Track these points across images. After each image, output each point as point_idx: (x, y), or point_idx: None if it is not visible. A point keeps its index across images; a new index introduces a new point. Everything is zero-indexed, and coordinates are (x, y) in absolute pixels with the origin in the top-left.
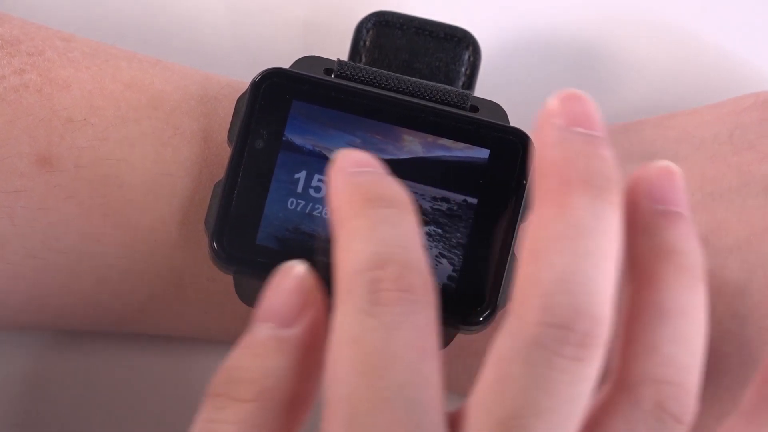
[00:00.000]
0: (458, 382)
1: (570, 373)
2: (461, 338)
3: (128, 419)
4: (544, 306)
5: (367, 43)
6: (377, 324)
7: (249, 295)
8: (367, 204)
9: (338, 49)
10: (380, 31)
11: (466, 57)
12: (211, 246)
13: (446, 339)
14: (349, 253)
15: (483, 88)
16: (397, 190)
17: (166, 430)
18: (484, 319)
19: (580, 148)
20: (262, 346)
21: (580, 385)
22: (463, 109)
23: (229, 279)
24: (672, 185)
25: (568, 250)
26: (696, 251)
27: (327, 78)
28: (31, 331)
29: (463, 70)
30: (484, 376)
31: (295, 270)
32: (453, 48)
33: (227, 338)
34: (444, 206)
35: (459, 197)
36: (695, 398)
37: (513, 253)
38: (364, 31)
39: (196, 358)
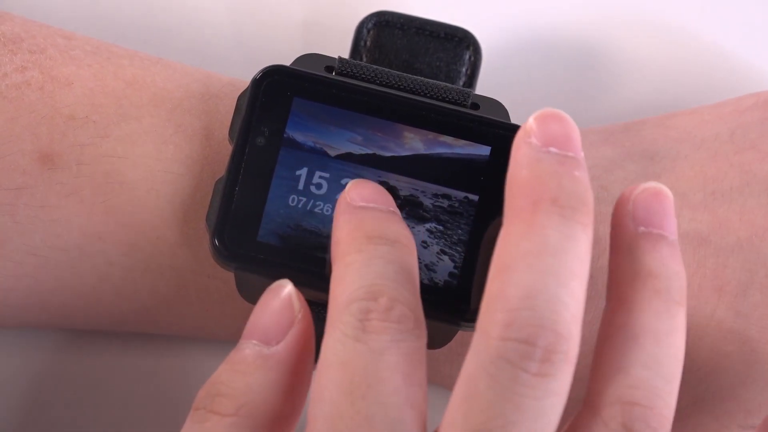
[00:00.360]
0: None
1: (535, 388)
2: (463, 336)
3: (128, 419)
4: (508, 321)
5: (368, 43)
6: (365, 349)
7: (250, 292)
8: (367, 241)
9: (339, 49)
10: (381, 31)
11: (467, 57)
12: (213, 243)
13: (447, 336)
14: (343, 285)
15: (483, 88)
16: (398, 230)
17: (166, 430)
18: None
19: (552, 168)
20: (244, 363)
21: (547, 401)
22: (464, 106)
23: (230, 276)
24: (659, 207)
25: (534, 267)
26: (677, 275)
27: (328, 75)
28: (32, 329)
29: (463, 70)
30: (454, 393)
31: (284, 289)
32: (453, 48)
33: (228, 337)
34: (445, 203)
35: (460, 194)
36: (668, 421)
37: None
38: (365, 31)
39: (196, 358)
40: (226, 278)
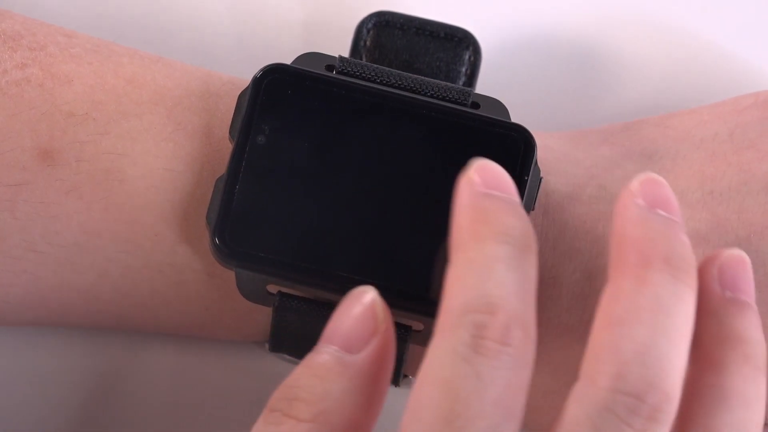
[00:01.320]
0: None
1: None
2: None
3: (130, 418)
4: (618, 373)
5: (368, 43)
6: (472, 373)
7: (250, 291)
8: (490, 236)
9: (338, 49)
10: (381, 32)
11: (467, 57)
12: (213, 241)
13: None
14: (460, 287)
15: (483, 88)
16: (524, 227)
17: (166, 430)
18: None
19: (662, 229)
20: (324, 368)
21: None
22: (465, 105)
23: (230, 275)
24: (743, 273)
25: (648, 323)
26: (761, 344)
27: (329, 74)
28: (31, 327)
29: (463, 70)
30: None
31: (367, 296)
32: (453, 48)
33: (227, 336)
34: None
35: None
36: None
37: None
38: (365, 31)
39: (197, 357)
40: (225, 276)
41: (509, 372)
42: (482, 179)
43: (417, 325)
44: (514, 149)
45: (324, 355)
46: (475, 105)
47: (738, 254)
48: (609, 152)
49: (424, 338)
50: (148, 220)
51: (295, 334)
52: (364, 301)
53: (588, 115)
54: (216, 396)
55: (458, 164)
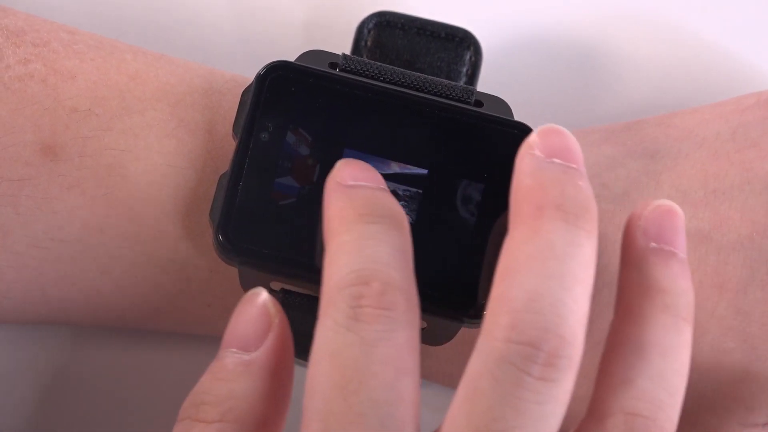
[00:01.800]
0: (459, 379)
1: (538, 392)
2: (465, 334)
3: (130, 418)
4: (512, 324)
5: (369, 43)
6: (356, 339)
7: (253, 287)
8: (358, 219)
9: (339, 49)
10: (382, 32)
11: (468, 57)
12: (216, 238)
13: (450, 333)
14: (335, 267)
15: (484, 88)
16: (389, 206)
17: (166, 429)
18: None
19: (555, 177)
20: (225, 370)
21: (549, 406)
22: (468, 103)
23: (232, 271)
24: (671, 224)
25: (538, 270)
26: (686, 293)
27: (332, 71)
28: (32, 325)
29: (464, 70)
30: (457, 393)
31: (258, 297)
32: (454, 48)
33: None
34: None
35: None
36: None
37: None
38: (366, 31)
39: (197, 357)
40: (228, 273)
41: (393, 333)
42: (347, 174)
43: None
44: (518, 147)
45: (225, 358)
46: (479, 103)
47: (665, 204)
48: (611, 151)
49: (427, 336)
50: (151, 217)
51: (298, 331)
52: (256, 303)
53: (589, 115)
54: None
55: (462, 162)
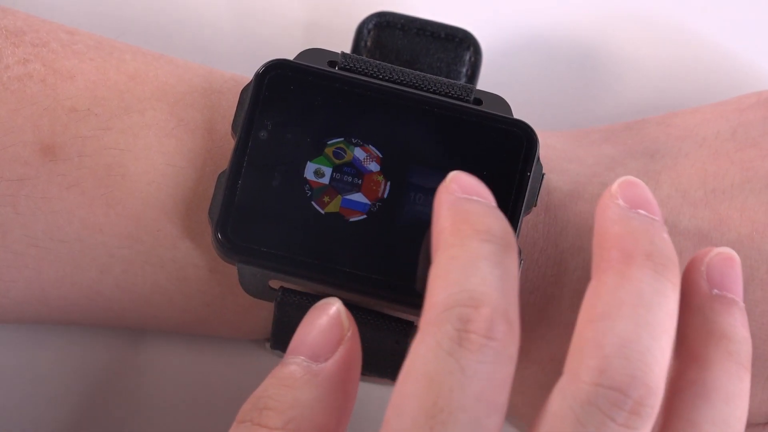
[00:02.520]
0: None
1: None
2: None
3: (131, 418)
4: (601, 368)
5: (369, 43)
6: (456, 367)
7: (252, 286)
8: (473, 235)
9: (340, 49)
10: (381, 32)
11: (467, 58)
12: (215, 236)
13: None
14: (444, 281)
15: (484, 88)
16: (503, 227)
17: (166, 429)
18: None
19: (644, 227)
20: (292, 378)
21: None
22: (467, 101)
23: (232, 270)
24: (732, 272)
25: (629, 317)
26: (746, 341)
27: (331, 70)
28: (32, 325)
29: (464, 70)
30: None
31: (332, 307)
32: (454, 49)
33: (229, 333)
34: None
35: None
36: None
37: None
38: (366, 31)
39: (196, 357)
40: (227, 272)
41: (493, 366)
42: (460, 186)
43: (419, 322)
44: (517, 145)
45: (292, 365)
46: (478, 101)
47: (727, 252)
48: (611, 151)
49: None
50: (150, 216)
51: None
52: (329, 312)
53: (589, 115)
54: (215, 395)
55: (461, 160)
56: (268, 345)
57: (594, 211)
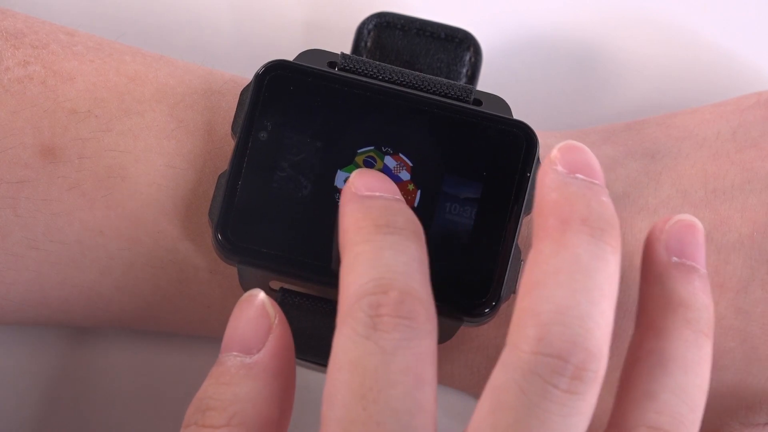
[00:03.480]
0: (459, 378)
1: (563, 405)
2: (464, 332)
3: (132, 417)
4: (539, 336)
5: (368, 44)
6: (375, 348)
7: (252, 287)
8: (375, 230)
9: (340, 50)
10: (381, 32)
11: (467, 58)
12: (216, 237)
13: (450, 331)
14: (352, 276)
15: (484, 89)
16: (406, 217)
17: (166, 429)
18: (488, 310)
19: (580, 192)
20: (228, 374)
21: (574, 419)
22: (467, 102)
23: (232, 271)
24: (692, 240)
25: (566, 284)
26: (707, 308)
27: (331, 71)
28: (32, 326)
29: (464, 71)
30: (480, 406)
31: (256, 298)
32: (454, 49)
33: None
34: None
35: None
36: None
37: (517, 246)
38: (366, 32)
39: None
40: (227, 273)
41: (411, 342)
42: (363, 184)
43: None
44: (517, 146)
45: (226, 362)
46: (478, 102)
47: (687, 219)
48: (611, 151)
49: None
50: (150, 217)
51: (297, 330)
52: (254, 303)
53: (589, 116)
54: None
55: (461, 161)
56: None
57: None
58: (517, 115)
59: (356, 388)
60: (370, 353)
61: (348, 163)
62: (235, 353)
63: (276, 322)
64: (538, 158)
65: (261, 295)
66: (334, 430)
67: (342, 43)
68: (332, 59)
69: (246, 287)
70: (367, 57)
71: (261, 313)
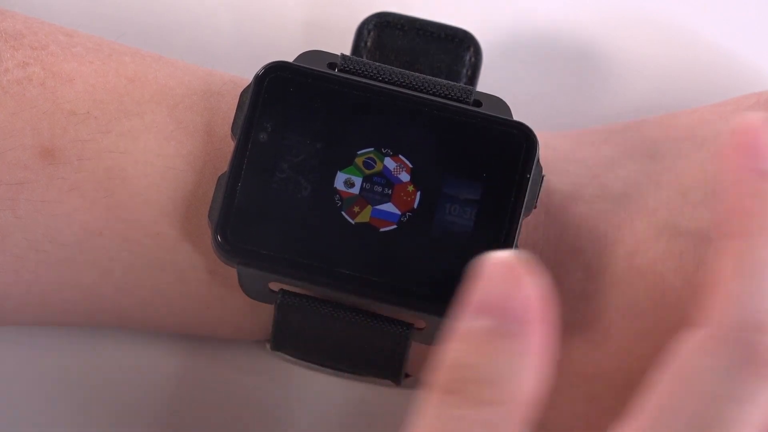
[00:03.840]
0: None
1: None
2: None
3: (129, 417)
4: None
5: (369, 44)
6: (733, 396)
7: (252, 289)
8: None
9: (340, 50)
10: (381, 32)
11: (467, 58)
12: (215, 239)
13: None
14: (735, 297)
15: (484, 89)
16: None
17: (166, 430)
18: None
19: None
20: (490, 345)
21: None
22: (467, 103)
23: (231, 272)
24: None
25: None
26: None
27: (331, 72)
28: (32, 327)
29: (464, 71)
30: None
31: (521, 260)
32: (454, 49)
33: (228, 335)
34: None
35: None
36: None
37: (517, 247)
38: (366, 32)
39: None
40: (227, 274)
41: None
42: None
43: (419, 323)
44: (517, 147)
45: (484, 328)
46: (477, 103)
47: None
48: (611, 151)
49: (425, 336)
50: (150, 219)
51: (297, 332)
52: (518, 266)
53: (588, 116)
54: (215, 395)
55: (461, 162)
56: (268, 346)
57: (593, 212)
58: (516, 115)
59: (699, 424)
60: (729, 399)
61: (348, 164)
62: (499, 320)
63: (535, 286)
64: (538, 159)
65: (524, 257)
66: None
67: (342, 43)
68: (332, 60)
69: (245, 288)
70: (367, 57)
71: (527, 279)
